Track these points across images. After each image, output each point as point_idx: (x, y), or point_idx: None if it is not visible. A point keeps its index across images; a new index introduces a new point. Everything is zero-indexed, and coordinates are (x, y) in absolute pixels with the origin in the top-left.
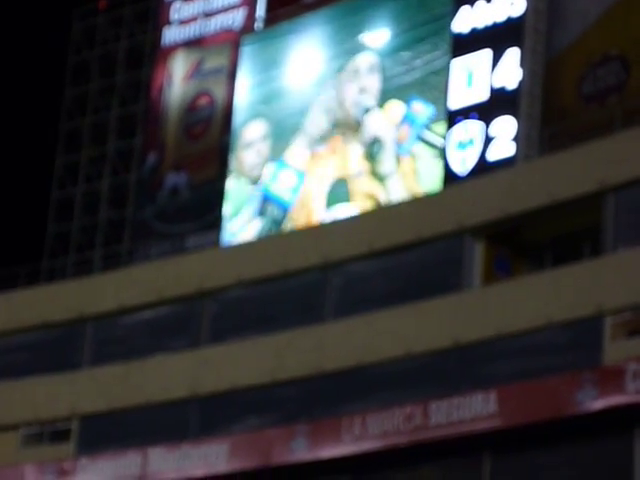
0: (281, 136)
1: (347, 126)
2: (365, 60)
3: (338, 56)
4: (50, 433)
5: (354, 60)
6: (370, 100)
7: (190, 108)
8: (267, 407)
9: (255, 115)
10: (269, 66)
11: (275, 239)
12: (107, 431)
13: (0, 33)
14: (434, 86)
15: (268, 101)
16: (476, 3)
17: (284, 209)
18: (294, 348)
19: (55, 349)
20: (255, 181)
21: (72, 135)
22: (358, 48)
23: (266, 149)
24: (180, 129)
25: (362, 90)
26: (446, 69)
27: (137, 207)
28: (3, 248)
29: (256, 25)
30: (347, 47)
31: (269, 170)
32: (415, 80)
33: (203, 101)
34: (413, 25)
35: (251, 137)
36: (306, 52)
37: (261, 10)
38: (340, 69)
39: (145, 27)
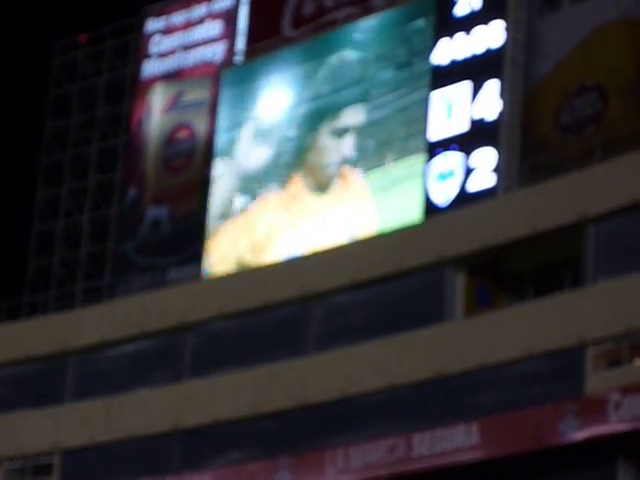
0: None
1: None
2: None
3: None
4: (33, 468)
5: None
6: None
7: (169, 141)
8: (250, 440)
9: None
10: (246, 101)
11: (256, 271)
12: (90, 465)
13: None
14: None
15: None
16: (455, 35)
17: None
18: (276, 381)
19: (37, 383)
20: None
21: (52, 169)
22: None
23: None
24: (159, 162)
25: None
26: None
27: (118, 241)
28: None
29: (236, 58)
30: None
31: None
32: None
33: (183, 134)
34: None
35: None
36: (280, 90)
37: (241, 43)
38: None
39: (125, 60)
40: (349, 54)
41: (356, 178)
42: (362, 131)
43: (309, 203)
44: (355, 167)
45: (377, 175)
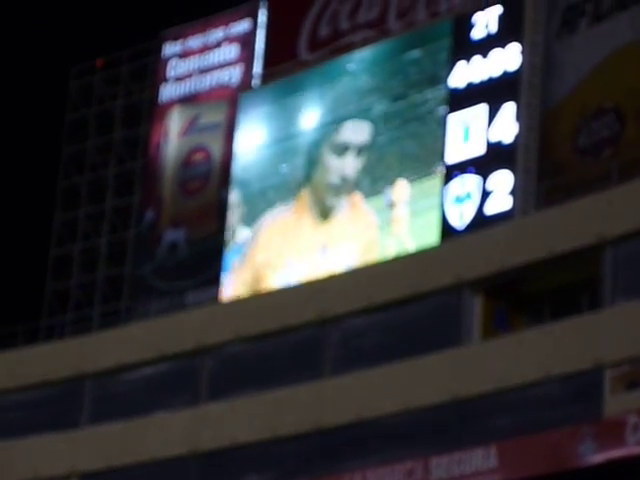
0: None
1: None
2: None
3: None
4: None
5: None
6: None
7: (185, 164)
8: (267, 463)
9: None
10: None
11: (273, 294)
12: None
13: None
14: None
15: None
16: (472, 58)
17: None
18: (293, 404)
19: (54, 407)
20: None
21: (70, 192)
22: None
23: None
24: (176, 185)
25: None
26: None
27: (136, 264)
28: (2, 306)
29: (253, 82)
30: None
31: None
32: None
33: (199, 156)
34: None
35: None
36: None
37: (258, 67)
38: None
39: (142, 84)
40: (348, 83)
41: (364, 207)
42: (365, 155)
43: (313, 233)
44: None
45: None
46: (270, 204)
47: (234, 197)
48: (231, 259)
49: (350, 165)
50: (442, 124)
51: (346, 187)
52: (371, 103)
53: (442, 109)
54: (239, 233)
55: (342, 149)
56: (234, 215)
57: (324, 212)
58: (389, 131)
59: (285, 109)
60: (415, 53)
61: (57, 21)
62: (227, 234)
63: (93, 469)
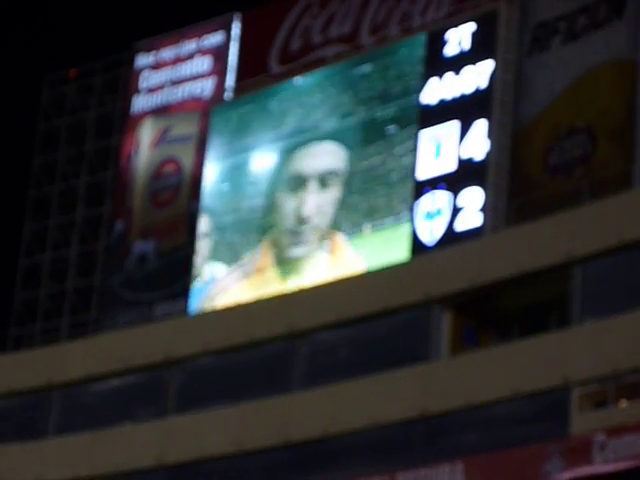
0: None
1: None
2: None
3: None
4: None
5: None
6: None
7: (156, 175)
8: (234, 477)
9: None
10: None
11: (242, 307)
12: None
13: None
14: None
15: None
16: (444, 75)
17: None
18: (261, 418)
19: (21, 417)
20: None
21: (40, 202)
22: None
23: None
24: (146, 196)
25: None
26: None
27: (105, 275)
28: None
29: (225, 95)
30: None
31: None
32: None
33: (169, 168)
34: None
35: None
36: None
37: (231, 80)
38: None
39: (115, 95)
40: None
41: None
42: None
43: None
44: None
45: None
46: (235, 245)
47: (203, 226)
48: (197, 298)
49: (311, 202)
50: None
51: (310, 230)
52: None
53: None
54: (207, 269)
55: (298, 182)
56: (203, 246)
57: (287, 267)
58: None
59: (248, 128)
60: (366, 68)
61: (30, 30)
62: (195, 268)
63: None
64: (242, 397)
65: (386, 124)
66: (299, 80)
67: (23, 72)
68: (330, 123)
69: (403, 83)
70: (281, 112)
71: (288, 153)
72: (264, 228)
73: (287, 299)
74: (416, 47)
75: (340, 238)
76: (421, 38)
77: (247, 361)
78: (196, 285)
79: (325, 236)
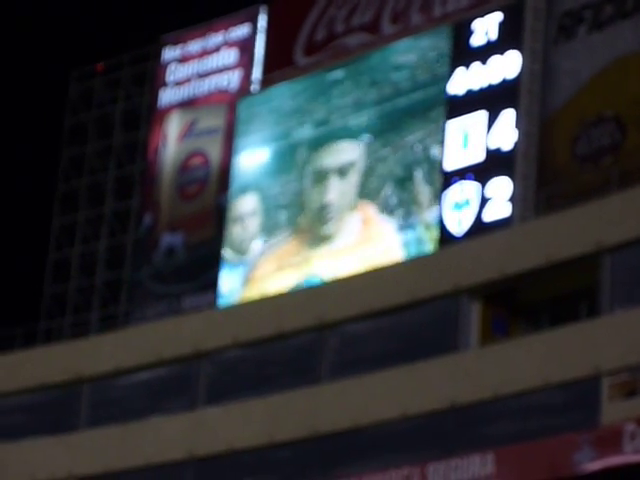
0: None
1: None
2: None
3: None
4: None
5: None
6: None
7: (183, 168)
8: (263, 469)
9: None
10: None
11: (271, 300)
12: None
13: None
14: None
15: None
16: (471, 65)
17: None
18: (290, 409)
19: (52, 411)
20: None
21: (69, 196)
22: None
23: (255, 226)
24: (174, 189)
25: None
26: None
27: (134, 268)
28: (1, 309)
29: (252, 87)
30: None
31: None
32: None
33: (196, 161)
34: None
35: (242, 210)
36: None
37: (257, 72)
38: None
39: (142, 89)
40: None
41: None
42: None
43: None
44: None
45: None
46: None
47: (250, 204)
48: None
49: (333, 190)
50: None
51: (336, 209)
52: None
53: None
54: (254, 245)
55: (319, 176)
56: (251, 224)
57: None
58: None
59: (280, 119)
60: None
61: (58, 25)
62: (243, 243)
63: (90, 473)
64: (271, 389)
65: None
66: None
67: (50, 67)
68: (353, 116)
69: (428, 73)
70: (308, 104)
71: (312, 146)
72: (296, 212)
73: (316, 291)
74: (441, 38)
75: (371, 208)
76: (445, 29)
77: (276, 353)
78: (236, 265)
79: (355, 207)
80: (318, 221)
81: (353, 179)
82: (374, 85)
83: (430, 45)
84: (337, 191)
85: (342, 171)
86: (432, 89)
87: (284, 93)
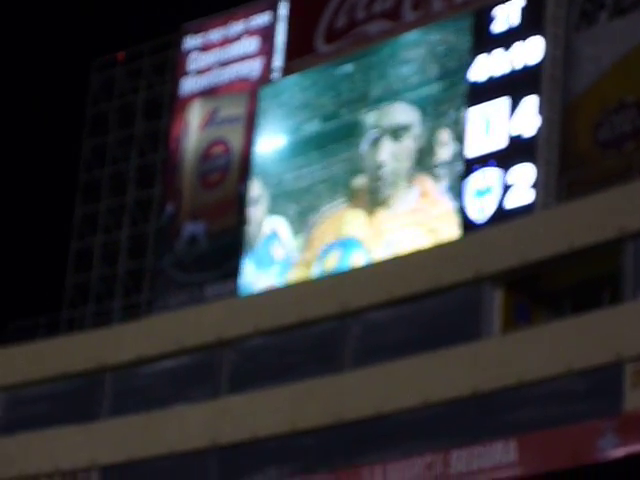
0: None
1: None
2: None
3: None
4: None
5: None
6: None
7: (204, 156)
8: (286, 456)
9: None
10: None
11: (293, 288)
12: None
13: (18, 84)
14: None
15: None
16: (493, 51)
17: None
18: (313, 397)
19: (75, 399)
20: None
21: (90, 186)
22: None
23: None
24: (195, 178)
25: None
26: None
27: (156, 257)
28: (23, 299)
29: (273, 75)
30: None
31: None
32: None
33: (218, 149)
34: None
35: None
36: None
37: (278, 60)
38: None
39: (163, 77)
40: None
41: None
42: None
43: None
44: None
45: None
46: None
47: (256, 190)
48: (266, 249)
49: (386, 150)
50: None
51: (391, 174)
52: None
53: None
54: (267, 224)
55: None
56: (259, 208)
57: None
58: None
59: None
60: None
61: (78, 14)
62: (253, 228)
63: (113, 462)
64: (294, 376)
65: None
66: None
67: (71, 56)
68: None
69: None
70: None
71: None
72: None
73: (338, 278)
74: (463, 24)
75: (428, 181)
76: (467, 15)
77: (299, 341)
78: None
79: (412, 179)
80: (375, 185)
81: (408, 144)
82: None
83: None
84: (391, 155)
85: (396, 134)
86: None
87: (305, 81)
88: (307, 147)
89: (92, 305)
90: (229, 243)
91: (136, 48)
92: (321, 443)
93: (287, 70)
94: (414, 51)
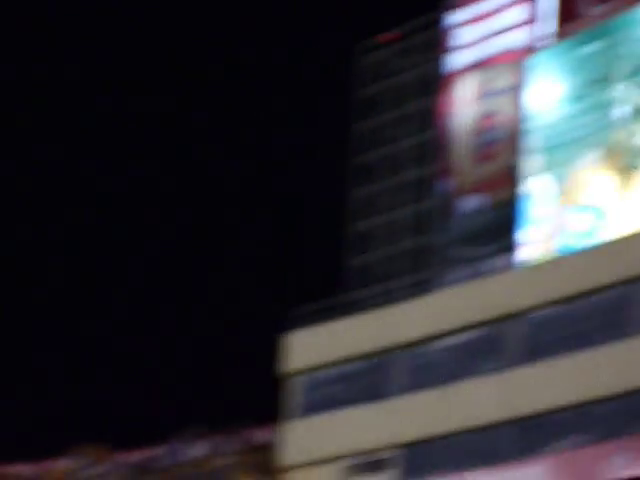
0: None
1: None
2: None
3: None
4: (370, 463)
5: None
6: None
7: (478, 130)
8: (583, 426)
9: None
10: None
11: (577, 256)
12: (425, 458)
13: (285, 70)
14: None
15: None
16: None
17: None
18: (607, 364)
19: (368, 379)
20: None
21: (363, 168)
22: None
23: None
24: (470, 152)
25: None
26: None
27: (434, 234)
28: (319, 282)
29: (540, 43)
30: None
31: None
32: None
33: (491, 122)
34: None
35: None
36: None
37: (544, 28)
38: None
39: (429, 55)
40: None
41: None
42: None
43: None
44: None
45: None
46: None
47: (531, 162)
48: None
49: None
50: None
51: None
52: None
53: None
54: (539, 181)
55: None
56: (532, 164)
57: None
58: None
59: (581, 67)
60: None
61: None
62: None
63: (411, 439)
64: (587, 344)
65: None
66: None
67: (336, 41)
68: None
69: None
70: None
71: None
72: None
73: (622, 244)
74: None
75: None
76: None
77: (586, 309)
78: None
79: None
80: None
81: None
82: None
83: None
84: None
85: None
86: None
87: (573, 47)
88: (579, 112)
89: (375, 285)
90: (506, 216)
91: (403, 27)
92: (619, 410)
93: (558, 36)
94: None
